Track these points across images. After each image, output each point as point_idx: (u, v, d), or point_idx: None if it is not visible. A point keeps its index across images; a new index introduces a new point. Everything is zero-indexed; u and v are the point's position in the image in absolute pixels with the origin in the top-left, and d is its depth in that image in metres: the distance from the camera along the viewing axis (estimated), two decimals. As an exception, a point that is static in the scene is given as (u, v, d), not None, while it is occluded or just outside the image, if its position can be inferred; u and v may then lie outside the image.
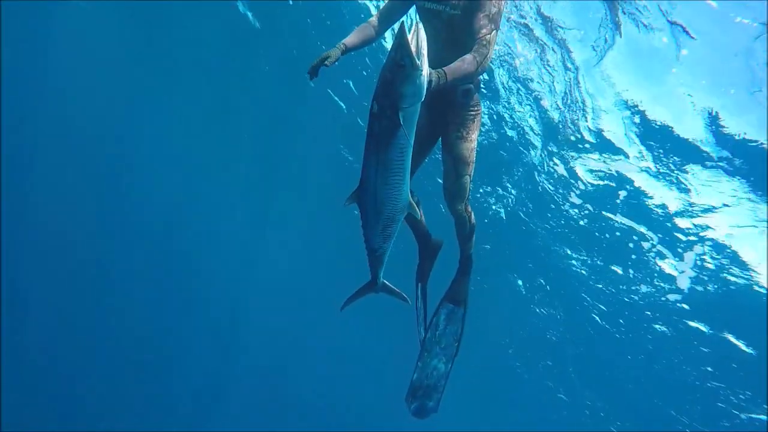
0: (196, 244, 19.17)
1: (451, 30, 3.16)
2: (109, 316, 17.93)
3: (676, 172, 7.44)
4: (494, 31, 3.02)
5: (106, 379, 16.60)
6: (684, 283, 9.13)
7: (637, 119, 7.14)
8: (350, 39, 3.15)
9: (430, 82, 2.59)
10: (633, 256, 9.35)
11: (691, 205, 7.80)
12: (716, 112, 6.36)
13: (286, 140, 12.54)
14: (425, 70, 2.54)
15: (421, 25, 2.49)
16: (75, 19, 11.28)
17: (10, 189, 15.24)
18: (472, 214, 3.72)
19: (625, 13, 5.95)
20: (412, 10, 3.37)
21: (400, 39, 2.43)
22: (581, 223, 9.54)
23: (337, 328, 19.20)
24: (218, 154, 14.18)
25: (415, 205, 2.91)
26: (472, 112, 3.49)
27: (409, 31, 2.48)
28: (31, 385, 15.42)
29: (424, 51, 2.50)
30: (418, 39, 2.47)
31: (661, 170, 7.60)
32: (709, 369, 10.67)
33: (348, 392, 21.86)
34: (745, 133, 6.39)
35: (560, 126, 7.84)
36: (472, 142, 3.50)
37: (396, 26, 2.52)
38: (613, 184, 8.38)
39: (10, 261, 15.61)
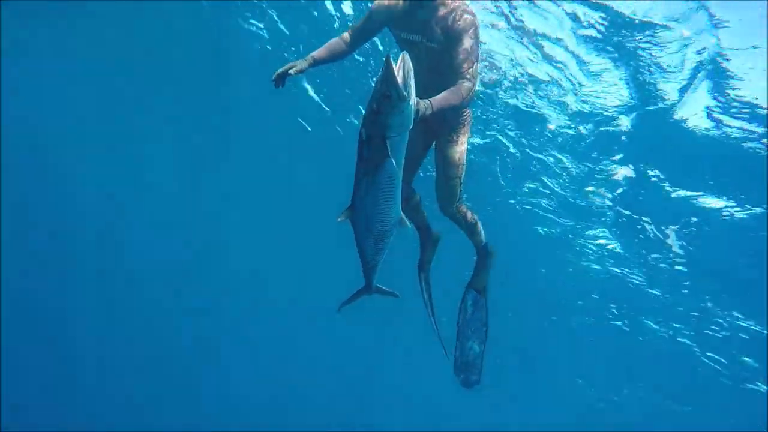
0: (197, 243, 19.26)
1: (430, 59, 3.30)
2: (108, 316, 18.02)
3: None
4: (475, 64, 3.17)
5: (106, 378, 16.66)
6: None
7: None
8: (320, 52, 3.23)
9: (417, 111, 2.65)
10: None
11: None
12: None
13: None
14: (412, 100, 2.59)
15: (407, 57, 2.52)
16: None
17: (10, 189, 15.29)
18: (468, 212, 3.82)
19: None
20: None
21: (387, 71, 2.46)
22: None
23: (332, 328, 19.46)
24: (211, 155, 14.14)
25: (405, 220, 3.01)
26: (462, 118, 3.60)
27: (396, 61, 2.51)
28: (31, 385, 15.49)
29: (411, 82, 2.54)
30: (405, 70, 2.50)
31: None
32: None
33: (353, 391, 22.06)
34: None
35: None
36: (462, 145, 3.61)
37: (384, 57, 2.65)
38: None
39: (9, 261, 15.67)
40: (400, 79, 2.48)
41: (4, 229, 15.38)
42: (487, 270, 4.01)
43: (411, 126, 2.67)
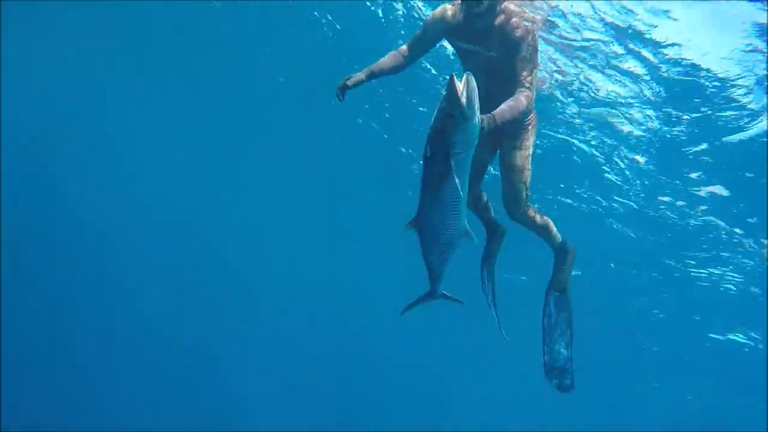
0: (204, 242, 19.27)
1: (490, 66, 3.30)
2: (108, 316, 17.91)
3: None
4: (534, 71, 3.19)
5: (106, 378, 16.57)
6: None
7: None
8: (378, 65, 3.28)
9: (481, 129, 2.68)
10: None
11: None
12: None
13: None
14: (476, 118, 2.60)
15: (471, 77, 2.54)
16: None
17: (10, 189, 15.15)
18: (537, 215, 3.76)
19: None
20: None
21: (451, 90, 2.51)
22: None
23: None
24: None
25: (471, 233, 3.02)
26: (525, 123, 3.56)
27: (460, 79, 2.55)
28: (31, 384, 15.37)
29: (476, 101, 2.56)
30: (469, 90, 2.52)
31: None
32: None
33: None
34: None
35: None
36: (526, 150, 3.58)
37: (448, 76, 2.60)
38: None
39: (9, 261, 15.52)
40: (463, 99, 2.51)
41: (4, 229, 15.23)
42: (568, 269, 3.88)
43: (476, 142, 2.70)
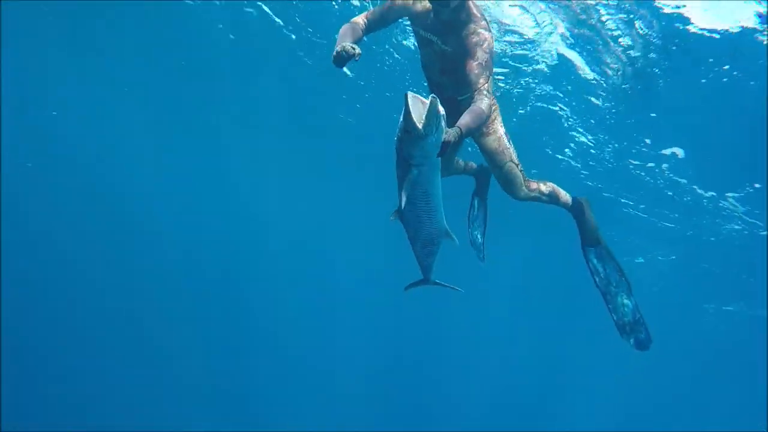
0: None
1: (445, 61, 3.40)
2: (109, 316, 17.93)
3: None
4: (490, 79, 3.30)
5: (106, 378, 16.59)
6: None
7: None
8: (352, 40, 3.14)
9: (447, 143, 2.70)
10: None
11: None
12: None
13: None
14: (434, 137, 2.64)
15: (436, 99, 2.56)
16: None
17: (10, 189, 15.17)
18: (540, 185, 3.76)
19: None
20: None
21: (406, 110, 2.56)
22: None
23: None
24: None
25: (451, 233, 3.11)
26: None
27: (423, 100, 2.61)
28: (31, 385, 15.40)
29: (435, 121, 2.58)
30: (430, 111, 2.55)
31: None
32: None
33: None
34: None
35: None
36: (495, 133, 3.62)
37: (403, 97, 2.59)
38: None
39: (10, 261, 15.55)
40: (418, 122, 2.57)
41: (4, 230, 15.27)
42: (590, 220, 3.85)
43: (435, 157, 2.74)
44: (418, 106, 2.60)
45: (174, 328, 18.63)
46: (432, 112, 2.56)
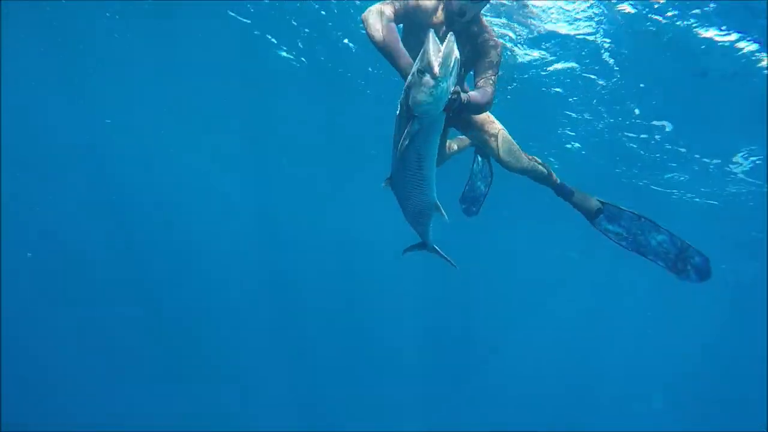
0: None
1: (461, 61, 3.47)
2: (109, 316, 17.91)
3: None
4: (496, 75, 3.40)
5: (105, 378, 16.57)
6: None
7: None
8: (407, 54, 3.13)
9: (453, 100, 2.70)
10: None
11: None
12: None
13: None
14: (446, 83, 2.54)
15: (453, 39, 2.47)
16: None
17: (10, 189, 15.17)
18: (535, 159, 3.71)
19: None
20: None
21: (426, 47, 2.46)
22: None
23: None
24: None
25: (440, 207, 3.08)
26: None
27: (442, 42, 2.51)
28: (31, 385, 15.38)
29: (453, 67, 2.50)
30: (445, 52, 2.45)
31: None
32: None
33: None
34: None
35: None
36: (484, 113, 3.63)
37: (429, 34, 2.55)
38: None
39: (10, 261, 15.55)
40: (434, 58, 2.44)
41: (4, 229, 15.26)
42: (582, 195, 3.74)
43: (440, 109, 2.64)
44: (437, 49, 2.50)
45: (174, 329, 18.61)
46: (449, 52, 2.47)
